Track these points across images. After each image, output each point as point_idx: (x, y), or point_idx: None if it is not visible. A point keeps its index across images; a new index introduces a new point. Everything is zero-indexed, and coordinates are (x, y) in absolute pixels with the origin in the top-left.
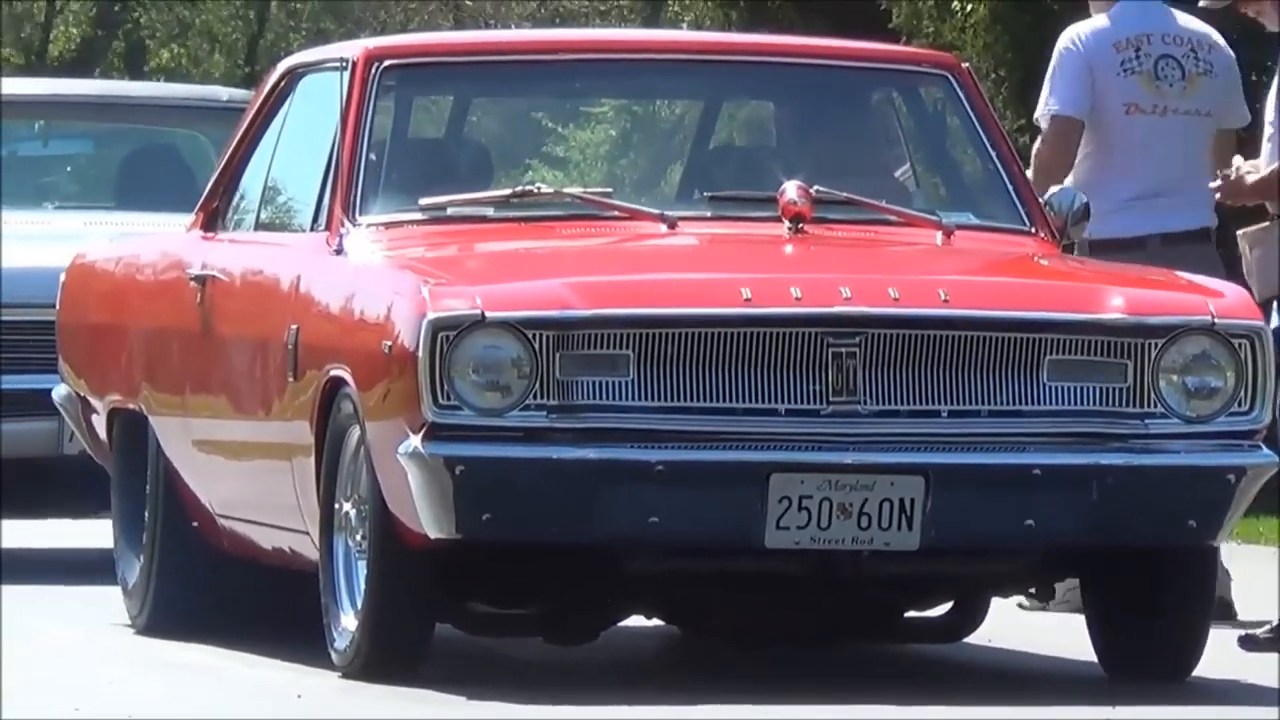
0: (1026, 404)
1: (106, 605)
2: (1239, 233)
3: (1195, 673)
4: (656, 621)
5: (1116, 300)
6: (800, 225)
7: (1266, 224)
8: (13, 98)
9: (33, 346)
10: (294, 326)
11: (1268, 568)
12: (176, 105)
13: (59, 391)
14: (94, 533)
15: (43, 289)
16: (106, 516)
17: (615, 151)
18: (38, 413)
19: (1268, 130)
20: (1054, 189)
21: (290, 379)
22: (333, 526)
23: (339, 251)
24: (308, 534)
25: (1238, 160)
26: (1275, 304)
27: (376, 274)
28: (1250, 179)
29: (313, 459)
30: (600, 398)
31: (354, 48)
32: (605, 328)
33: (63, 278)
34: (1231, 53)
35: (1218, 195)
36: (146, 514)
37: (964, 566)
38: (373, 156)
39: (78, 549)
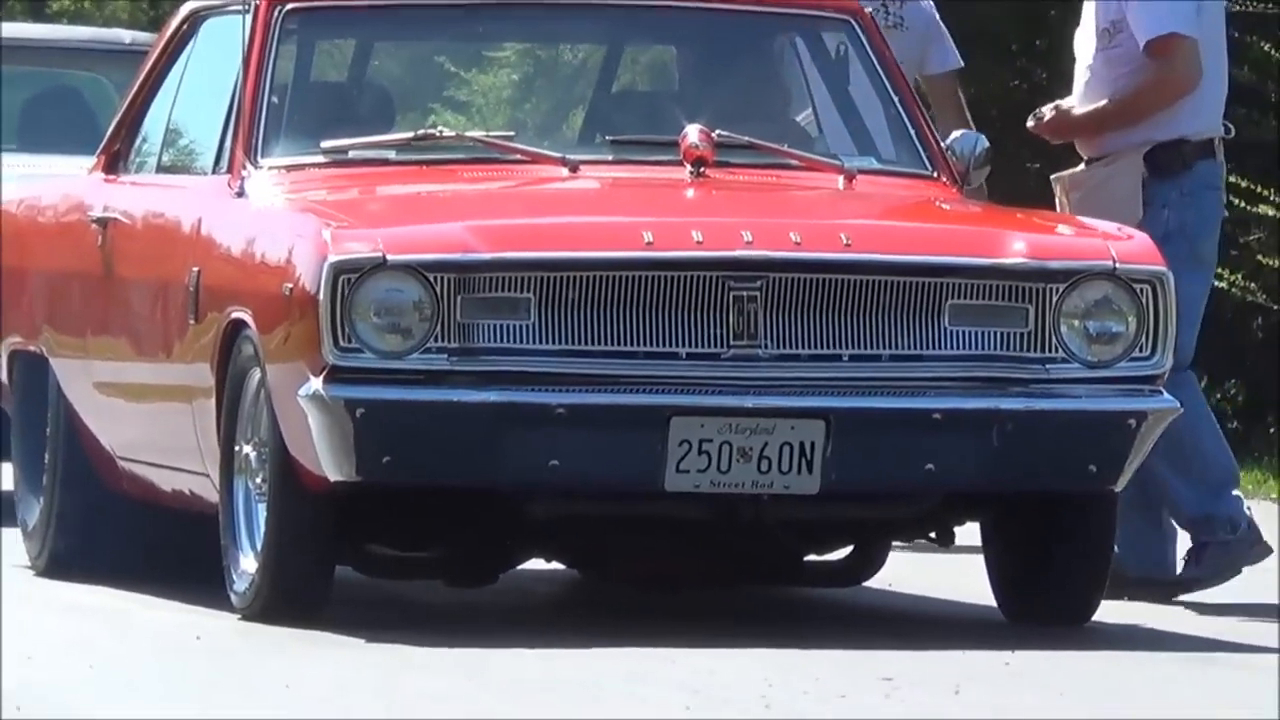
0: (927, 348)
1: (6, 547)
2: (1053, 177)
3: (1094, 618)
4: (557, 564)
5: (1018, 245)
6: (702, 169)
7: (1081, 167)
8: None
9: None
10: (195, 269)
11: None
12: (79, 48)
13: None
14: None
15: None
16: (6, 459)
17: (517, 96)
18: None
19: (1078, 71)
20: (956, 133)
21: (191, 321)
22: (233, 469)
23: (240, 194)
24: (208, 476)
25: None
26: None
27: (278, 217)
28: (1076, 110)
29: (213, 401)
30: (501, 341)
31: None
32: (506, 271)
33: None
34: (930, 4)
35: (1040, 132)
36: (47, 456)
37: (864, 510)
38: (274, 100)
39: None
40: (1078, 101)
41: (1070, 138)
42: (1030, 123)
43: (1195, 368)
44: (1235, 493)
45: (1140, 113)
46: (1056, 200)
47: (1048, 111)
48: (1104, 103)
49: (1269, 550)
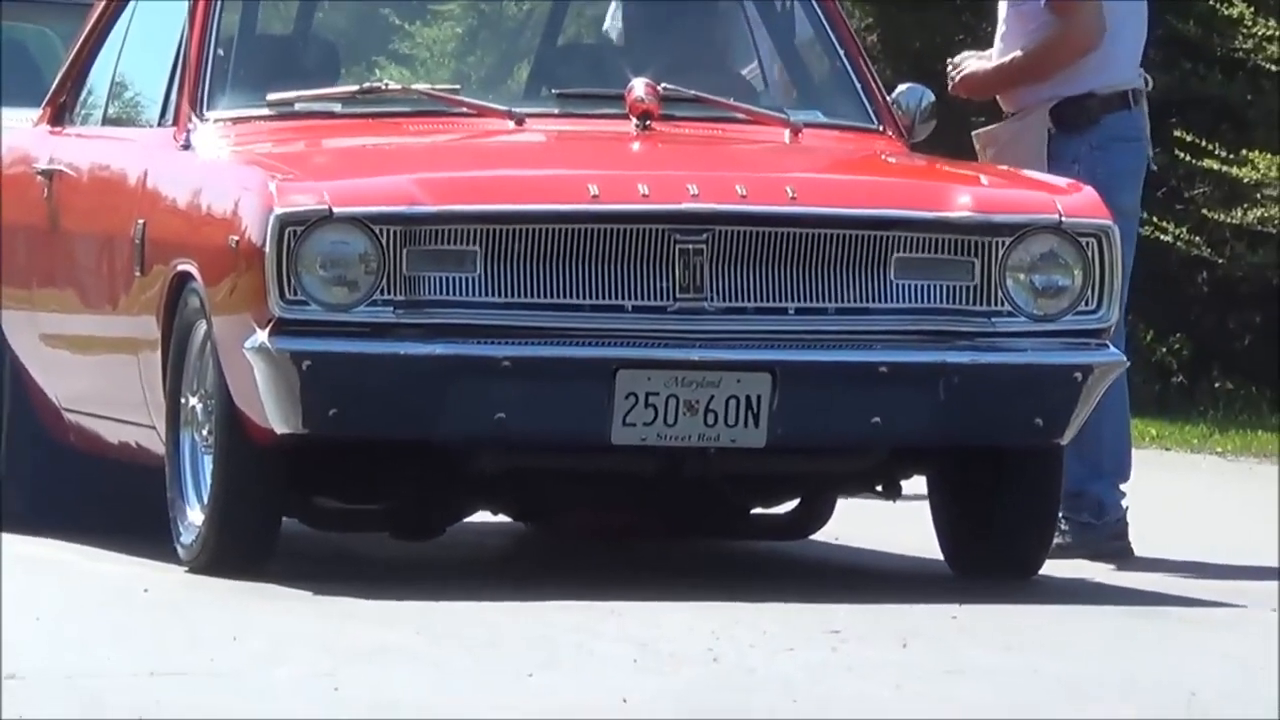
0: (873, 302)
1: None
2: (974, 134)
3: (1041, 571)
4: (504, 518)
5: (964, 198)
6: (648, 123)
7: (1000, 123)
8: None
9: None
10: (141, 221)
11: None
12: (23, 0)
13: None
14: None
15: None
16: None
17: (462, 49)
18: None
19: (1001, 26)
20: (901, 87)
21: (137, 273)
22: (179, 421)
23: (186, 147)
24: (154, 428)
25: (965, 56)
26: None
27: (224, 169)
28: (986, 68)
29: (159, 353)
30: (447, 293)
31: None
32: (452, 223)
33: None
34: None
35: (956, 93)
36: None
37: (810, 464)
38: (220, 52)
39: None
40: (995, 55)
41: (984, 95)
42: (949, 85)
43: (1128, 319)
44: (1119, 486)
45: (1043, 69)
46: (977, 155)
47: (954, 72)
48: (1009, 59)
49: (1129, 552)
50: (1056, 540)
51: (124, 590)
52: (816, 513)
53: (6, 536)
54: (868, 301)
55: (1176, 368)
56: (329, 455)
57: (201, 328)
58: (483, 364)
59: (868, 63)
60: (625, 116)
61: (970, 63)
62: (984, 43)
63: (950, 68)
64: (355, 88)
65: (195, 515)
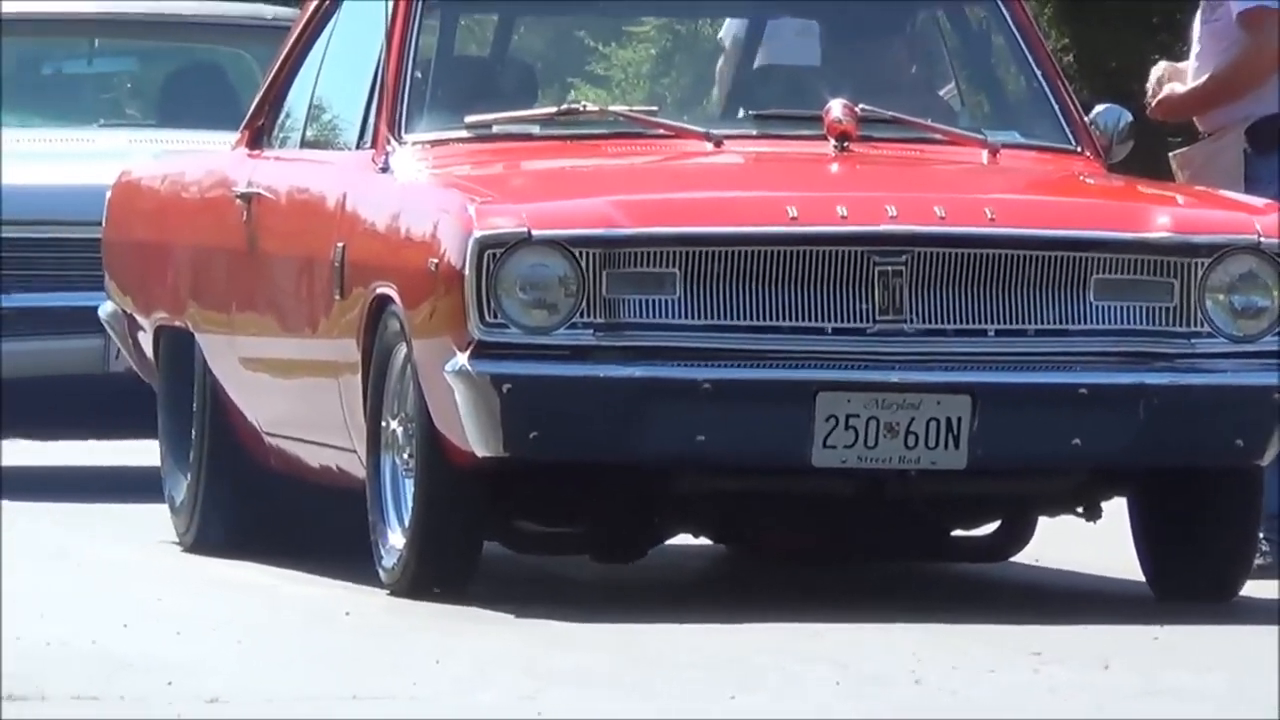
0: (1073, 323)
1: (154, 523)
2: (1171, 155)
3: (1241, 592)
4: (704, 540)
5: (1162, 219)
6: (846, 144)
7: (1196, 144)
8: (59, 15)
9: (79, 264)
10: (340, 244)
11: None
12: (222, 23)
13: (105, 309)
14: (141, 451)
15: (89, 206)
16: (153, 435)
17: (657, 70)
18: (84, 330)
19: (1195, 46)
20: (1099, 108)
21: (337, 297)
22: (380, 444)
23: (385, 169)
24: (355, 452)
25: (1160, 67)
26: None
27: (423, 192)
28: (1180, 91)
29: (360, 377)
30: (647, 316)
31: None
32: (652, 246)
33: (108, 195)
34: None
35: (1154, 116)
36: (193, 432)
37: (1010, 486)
38: (418, 75)
39: (124, 467)
40: (1190, 74)
41: (1182, 116)
42: (1146, 106)
43: None
44: None
45: (1236, 86)
46: (1175, 177)
47: (1152, 97)
48: (1204, 79)
49: None
50: (1257, 561)
51: (325, 614)
52: (1017, 534)
53: (206, 560)
54: (1067, 323)
55: None
56: (530, 478)
57: (402, 351)
58: (683, 386)
59: (1065, 83)
60: (823, 138)
61: (1167, 85)
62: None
63: (1152, 83)
64: (553, 109)
65: (396, 538)
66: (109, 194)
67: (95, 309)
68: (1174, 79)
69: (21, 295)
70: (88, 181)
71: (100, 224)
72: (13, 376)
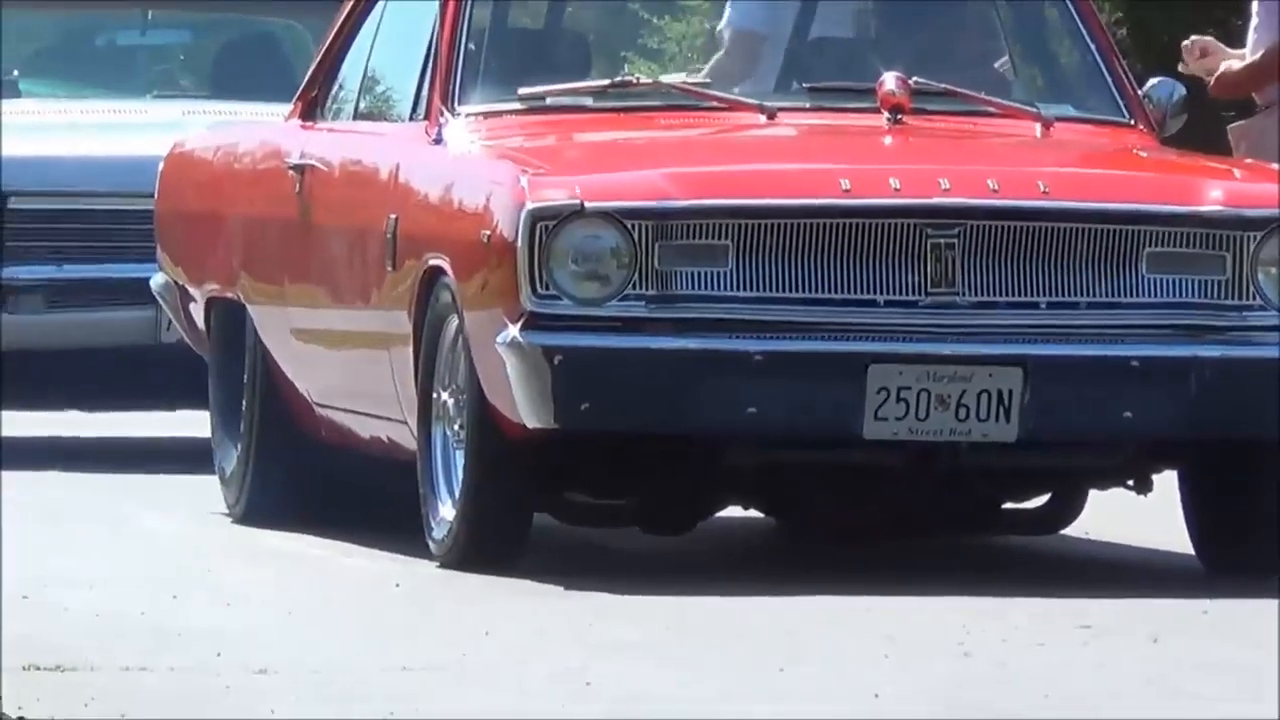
0: (1125, 296)
1: (204, 494)
2: (1229, 128)
3: None
4: (754, 512)
5: (1215, 193)
6: (899, 116)
7: (1253, 118)
8: None
9: (131, 235)
10: (393, 216)
11: None
12: None
13: (157, 280)
14: (191, 422)
15: (141, 178)
16: (204, 406)
17: (711, 44)
18: (136, 301)
19: (1253, 20)
20: (1153, 81)
21: (389, 268)
22: (431, 416)
23: (438, 141)
24: (405, 423)
25: (1194, 43)
26: None
27: (475, 163)
28: (1236, 66)
29: (411, 348)
30: (699, 288)
31: None
32: (704, 218)
33: (161, 166)
34: None
35: (1215, 94)
36: (244, 403)
37: (1062, 459)
38: (472, 46)
39: (175, 438)
40: (1249, 49)
41: (1240, 93)
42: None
43: None
44: None
45: None
46: (1232, 151)
47: (1191, 57)
48: (1260, 54)
49: None
50: None
51: (376, 585)
52: (1068, 507)
53: (256, 531)
54: (1119, 296)
55: None
56: (580, 450)
57: (453, 323)
58: (734, 359)
59: (1119, 56)
60: (876, 110)
61: (1224, 61)
62: (1237, 37)
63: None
64: (606, 82)
65: (447, 510)
66: (162, 165)
67: (147, 280)
68: (1209, 53)
69: (74, 266)
70: (141, 153)
71: (153, 195)
72: (64, 347)
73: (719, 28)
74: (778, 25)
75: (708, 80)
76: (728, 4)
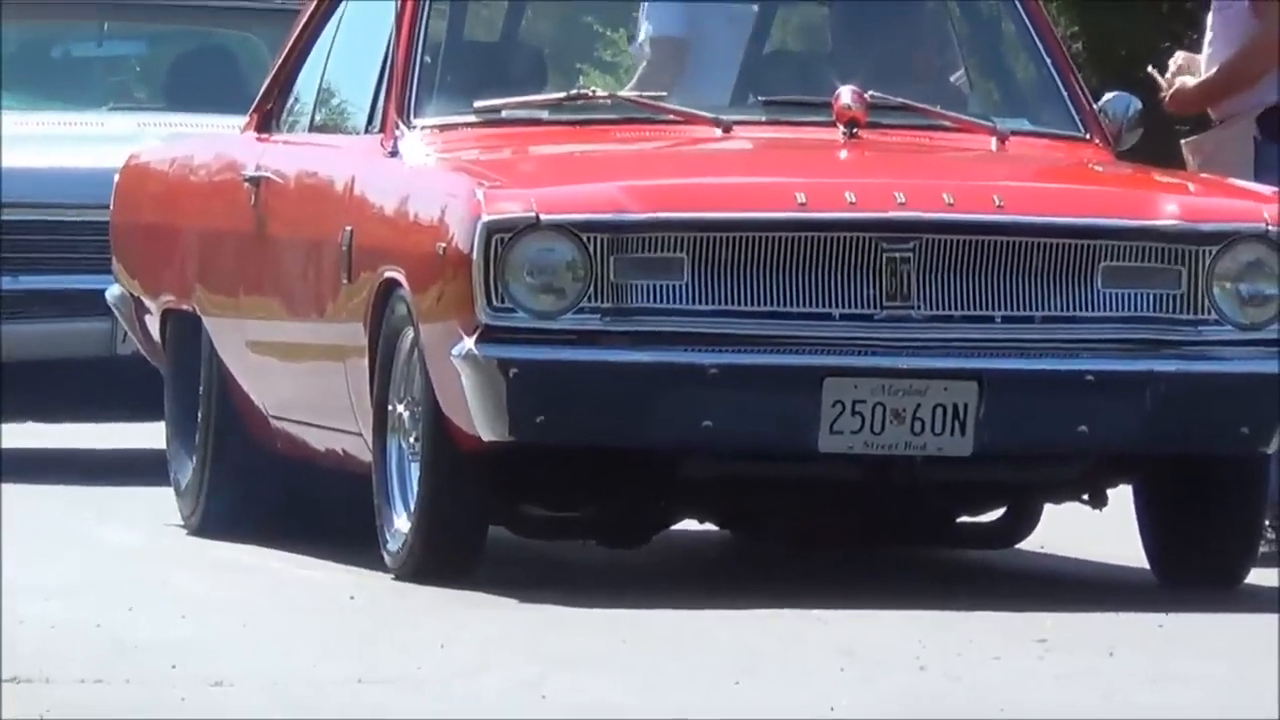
0: (1080, 310)
1: (159, 506)
2: (1184, 142)
3: (1246, 580)
4: (710, 525)
5: (1170, 207)
6: (855, 130)
7: (1207, 132)
8: None
9: (87, 247)
10: (348, 228)
11: None
12: (231, 7)
13: (112, 292)
14: (147, 434)
15: (97, 189)
16: (160, 418)
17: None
18: (91, 313)
19: (1208, 34)
20: (1108, 95)
21: (344, 280)
22: (386, 428)
23: (393, 154)
24: (361, 435)
25: (1180, 57)
26: None
27: (431, 176)
28: (1191, 84)
29: (366, 360)
30: (654, 301)
31: None
32: (660, 231)
33: (117, 178)
34: None
35: (1170, 110)
36: (199, 415)
37: (1017, 472)
38: (427, 59)
39: (130, 449)
40: (1204, 62)
41: (1196, 109)
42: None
43: None
44: None
45: (1247, 74)
46: (1186, 165)
47: (1165, 91)
48: (1214, 71)
49: None
50: (1262, 548)
51: (330, 597)
52: (1023, 521)
53: (211, 543)
54: (1075, 310)
55: None
56: (536, 463)
57: (409, 335)
58: (690, 372)
59: (1075, 71)
60: (832, 124)
61: (1179, 78)
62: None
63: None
64: (562, 95)
65: (402, 522)
66: (117, 177)
67: (103, 292)
68: (1190, 70)
69: (29, 278)
70: (96, 165)
71: (108, 207)
72: (20, 359)
73: (639, 40)
74: (697, 28)
75: (663, 93)
76: (643, 16)
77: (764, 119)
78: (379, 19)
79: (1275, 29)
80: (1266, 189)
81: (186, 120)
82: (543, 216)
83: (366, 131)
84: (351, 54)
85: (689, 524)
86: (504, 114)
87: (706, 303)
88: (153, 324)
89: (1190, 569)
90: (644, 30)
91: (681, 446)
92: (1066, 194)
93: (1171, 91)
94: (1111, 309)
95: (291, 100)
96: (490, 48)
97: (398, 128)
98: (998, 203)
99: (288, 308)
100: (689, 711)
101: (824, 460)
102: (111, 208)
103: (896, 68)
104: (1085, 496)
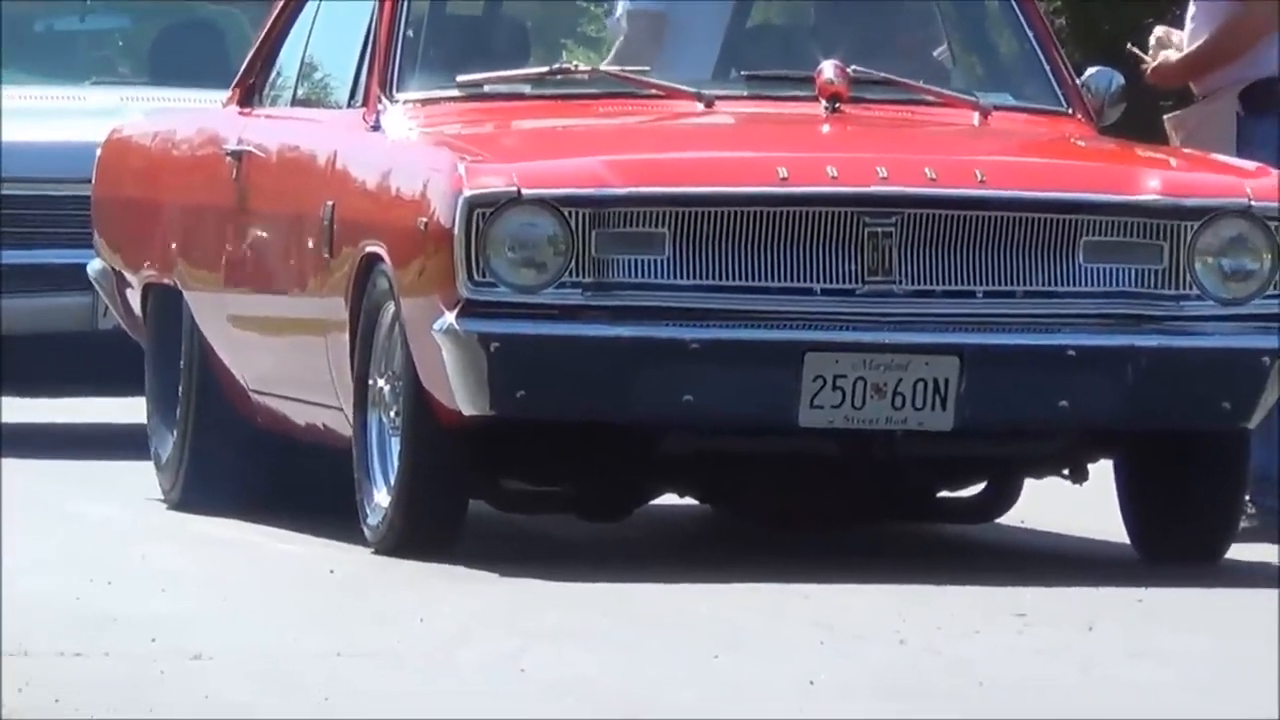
0: (1062, 285)
1: (139, 480)
2: (1166, 118)
3: (1226, 555)
4: (690, 500)
5: (1153, 182)
6: (837, 105)
7: (1190, 108)
8: None
9: (69, 221)
10: (330, 202)
11: None
12: None
13: (94, 266)
14: (127, 408)
15: (79, 164)
16: (141, 392)
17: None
18: (73, 287)
19: (1190, 9)
20: (1091, 70)
21: (326, 255)
22: (367, 402)
23: (376, 128)
24: (341, 410)
25: (1159, 31)
26: None
27: (413, 150)
28: (1174, 58)
29: (347, 335)
30: (636, 275)
31: None
32: (641, 205)
33: (99, 153)
34: None
35: (1153, 83)
36: (180, 389)
37: (997, 447)
38: (410, 33)
39: (111, 424)
40: (1185, 40)
41: (1177, 83)
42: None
43: None
44: None
45: (1227, 52)
46: (1169, 140)
47: (1149, 64)
48: (1196, 46)
49: None
50: (1243, 524)
51: (310, 571)
52: (1003, 496)
53: (191, 517)
54: (1056, 285)
55: None
56: (516, 437)
57: (390, 309)
58: (671, 346)
59: (1057, 46)
60: (814, 99)
61: (1162, 52)
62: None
63: (1152, 47)
64: (544, 69)
65: (382, 497)
66: (99, 151)
67: (84, 266)
68: (1170, 43)
69: (10, 252)
70: (79, 139)
71: (90, 182)
72: (1, 333)
73: (616, 15)
74: (675, 2)
75: (645, 68)
76: None
77: (746, 94)
78: None
79: (1258, 6)
80: (1249, 164)
81: (169, 95)
82: (524, 191)
83: (349, 106)
84: (334, 28)
85: (669, 499)
86: (486, 88)
87: (688, 277)
88: (134, 298)
89: (1171, 544)
90: (621, 4)
91: (662, 421)
92: (1048, 169)
93: (1155, 65)
94: (1093, 284)
95: (274, 74)
96: (473, 22)
97: (380, 102)
98: (979, 178)
99: (269, 282)
100: (668, 686)
101: (804, 435)
102: (93, 182)
103: (879, 43)
104: (1066, 471)
